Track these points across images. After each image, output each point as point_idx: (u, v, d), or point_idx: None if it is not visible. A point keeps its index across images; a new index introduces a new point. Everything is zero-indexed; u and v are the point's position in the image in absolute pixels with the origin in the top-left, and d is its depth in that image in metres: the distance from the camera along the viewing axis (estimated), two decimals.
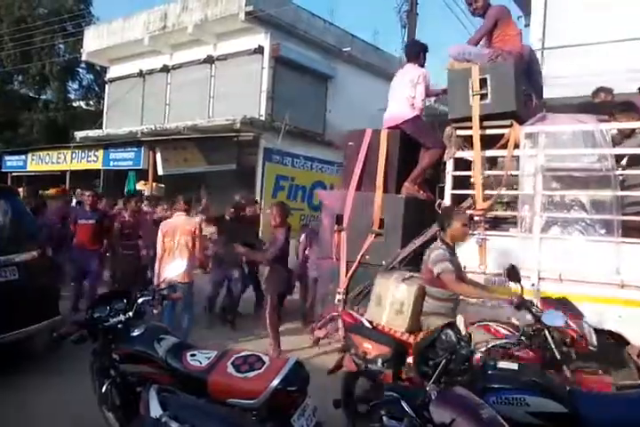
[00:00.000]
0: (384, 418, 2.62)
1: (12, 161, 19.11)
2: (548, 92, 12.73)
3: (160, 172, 14.36)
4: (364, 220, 5.44)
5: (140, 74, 17.33)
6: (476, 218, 4.97)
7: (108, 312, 3.31)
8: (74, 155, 16.99)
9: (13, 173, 19.10)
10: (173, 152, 14.47)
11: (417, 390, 2.50)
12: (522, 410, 2.61)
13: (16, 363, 4.98)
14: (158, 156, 14.41)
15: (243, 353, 3.08)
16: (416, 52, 5.94)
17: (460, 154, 5.32)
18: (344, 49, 16.23)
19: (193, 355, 3.08)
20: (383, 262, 5.16)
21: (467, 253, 4.85)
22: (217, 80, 15.47)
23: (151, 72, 17.05)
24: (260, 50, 14.43)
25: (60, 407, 4.15)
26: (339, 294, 5.46)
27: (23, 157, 18.59)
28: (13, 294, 4.85)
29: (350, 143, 6.03)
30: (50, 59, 23.02)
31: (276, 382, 2.75)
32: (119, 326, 3.24)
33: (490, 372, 2.80)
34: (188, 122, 14.23)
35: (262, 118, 14.19)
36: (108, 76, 19.12)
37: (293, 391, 2.82)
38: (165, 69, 16.67)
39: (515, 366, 2.82)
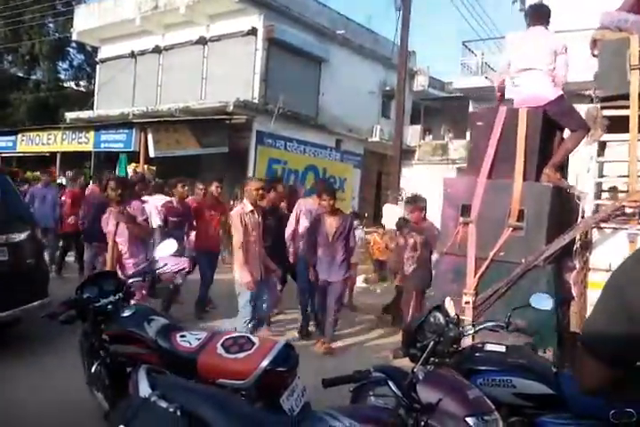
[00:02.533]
0: (371, 398, 2.66)
1: (1, 142, 18.88)
2: None
3: (151, 154, 14.25)
4: (498, 211, 4.68)
5: (132, 54, 17.12)
6: (628, 210, 4.37)
7: (98, 293, 3.30)
8: (64, 136, 16.79)
9: (3, 154, 18.89)
10: (165, 134, 14.35)
11: (405, 372, 2.53)
12: (508, 391, 2.64)
13: (6, 344, 4.98)
14: (150, 138, 14.28)
15: (233, 334, 3.10)
16: (548, 14, 4.93)
17: (608, 137, 4.73)
18: (338, 32, 16.10)
19: (183, 336, 3.08)
20: (523, 260, 4.51)
21: (615, 249, 4.36)
22: (210, 62, 15.31)
23: (143, 53, 16.85)
24: (253, 31, 14.28)
25: (50, 387, 4.16)
26: (466, 295, 4.69)
27: (13, 137, 18.35)
28: (2, 274, 4.84)
29: (479, 123, 5.16)
30: (40, 38, 22.66)
31: (265, 363, 2.77)
32: (109, 306, 3.23)
33: (477, 354, 2.83)
34: (180, 104, 14.12)
35: (255, 101, 14.09)
36: (99, 56, 18.88)
37: (283, 372, 2.85)
38: (157, 50, 16.48)
39: (502, 348, 2.85)
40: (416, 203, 6.10)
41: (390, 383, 2.17)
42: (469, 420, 2.13)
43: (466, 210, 4.84)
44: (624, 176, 4.95)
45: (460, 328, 2.69)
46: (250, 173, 14.09)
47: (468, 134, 18.61)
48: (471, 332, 2.81)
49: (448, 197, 5.11)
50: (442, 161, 17.57)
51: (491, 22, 50.67)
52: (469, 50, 15.46)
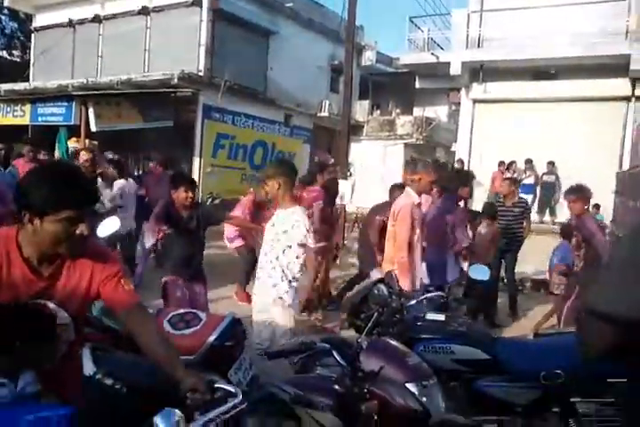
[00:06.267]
0: (318, 368, 2.73)
1: None
2: (485, 55, 12.91)
3: (93, 128, 13.74)
4: None
5: (70, 23, 16.25)
6: None
7: None
8: None
9: None
10: (107, 108, 13.84)
11: (350, 342, 2.61)
12: (447, 358, 2.78)
13: None
14: (91, 111, 13.74)
15: (179, 311, 3.10)
16: None
17: None
18: (287, 4, 15.78)
19: None
20: None
21: None
22: (153, 33, 14.76)
23: (82, 22, 16.03)
24: (198, 2, 13.82)
25: None
26: None
27: None
28: None
29: None
30: None
31: (212, 338, 2.79)
32: None
33: (419, 323, 2.94)
34: (122, 76, 13.55)
35: (201, 74, 13.73)
36: (34, 24, 17.85)
37: (230, 346, 2.88)
38: (97, 20, 15.72)
39: (442, 317, 2.97)
40: (581, 193, 5.12)
41: (335, 353, 2.24)
42: (409, 386, 2.22)
43: None
44: None
45: (402, 299, 2.79)
46: (197, 148, 13.83)
47: (414, 110, 18.83)
48: (413, 302, 2.91)
49: None
50: (389, 137, 17.72)
51: None
52: (416, 25, 15.51)
